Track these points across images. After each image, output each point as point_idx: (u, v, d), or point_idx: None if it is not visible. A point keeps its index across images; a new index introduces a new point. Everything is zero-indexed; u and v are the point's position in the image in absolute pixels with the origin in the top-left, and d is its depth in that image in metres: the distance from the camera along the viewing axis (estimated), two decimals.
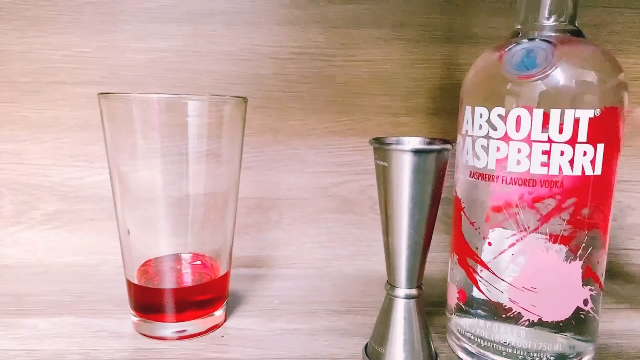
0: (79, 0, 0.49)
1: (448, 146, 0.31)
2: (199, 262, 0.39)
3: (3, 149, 0.50)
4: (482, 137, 0.32)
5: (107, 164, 0.37)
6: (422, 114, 0.51)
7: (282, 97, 0.51)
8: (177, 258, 0.38)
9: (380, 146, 0.31)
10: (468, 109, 0.33)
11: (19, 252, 0.51)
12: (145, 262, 0.38)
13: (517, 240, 0.31)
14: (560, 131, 0.29)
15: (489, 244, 0.32)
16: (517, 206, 0.31)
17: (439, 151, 0.30)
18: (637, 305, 0.45)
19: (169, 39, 0.49)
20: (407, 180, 0.30)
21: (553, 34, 0.31)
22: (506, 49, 0.31)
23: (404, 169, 0.30)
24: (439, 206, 0.32)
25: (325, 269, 0.52)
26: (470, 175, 0.33)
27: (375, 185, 0.53)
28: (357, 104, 0.51)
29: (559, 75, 0.29)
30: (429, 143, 0.33)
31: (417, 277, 0.33)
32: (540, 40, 0.30)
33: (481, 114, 0.31)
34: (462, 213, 0.34)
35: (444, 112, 0.51)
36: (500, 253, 0.32)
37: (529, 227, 0.31)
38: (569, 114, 0.29)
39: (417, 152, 0.30)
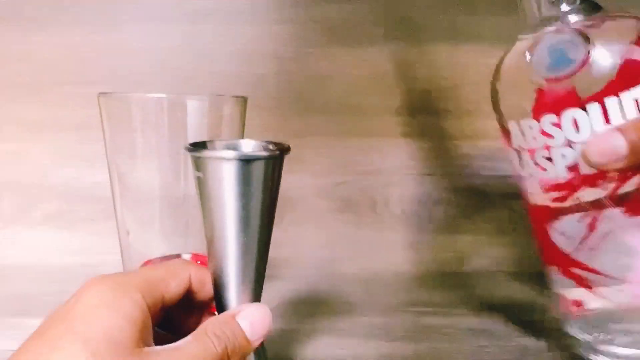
0: (78, 0, 0.49)
1: (276, 153, 0.26)
2: (198, 263, 0.39)
3: (3, 149, 0.50)
4: (541, 148, 0.29)
5: (106, 164, 0.37)
6: (423, 114, 0.51)
7: (282, 97, 0.51)
8: (177, 258, 0.38)
9: (193, 153, 0.25)
10: (513, 124, 0.30)
11: (18, 252, 0.51)
12: (145, 262, 0.38)
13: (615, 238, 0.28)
14: (624, 117, 0.26)
15: (591, 249, 0.29)
16: (604, 206, 0.28)
17: (266, 159, 0.25)
18: None
19: (168, 38, 0.49)
20: (227, 194, 0.25)
21: (573, 19, 0.28)
22: (532, 53, 0.29)
23: (222, 181, 0.24)
24: (273, 223, 0.27)
25: (325, 269, 0.52)
26: (541, 187, 0.30)
27: (375, 185, 0.53)
28: (357, 104, 0.51)
29: (600, 61, 0.26)
30: (265, 148, 0.27)
31: None
32: (564, 31, 0.28)
33: (530, 127, 0.29)
34: (550, 223, 0.31)
35: (444, 112, 0.51)
36: (606, 254, 0.29)
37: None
38: (627, 98, 0.26)
39: (238, 160, 0.24)
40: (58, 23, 0.49)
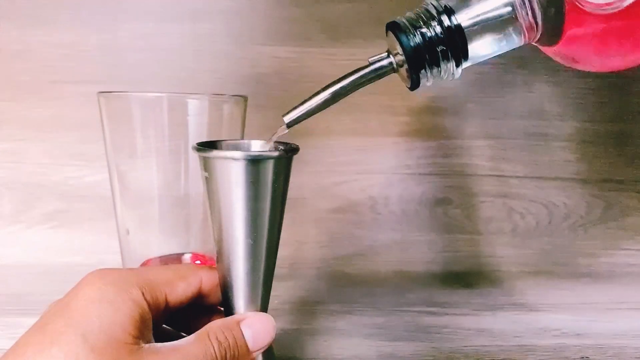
0: None
1: (285, 153, 0.25)
2: (198, 262, 0.39)
3: (2, 148, 0.50)
4: None
5: (106, 163, 0.37)
6: (424, 114, 0.51)
7: (282, 96, 0.50)
8: (177, 258, 0.38)
9: (200, 153, 0.25)
10: None
11: (18, 251, 0.51)
12: (145, 262, 0.38)
13: None
14: None
15: None
16: None
17: (275, 159, 0.25)
18: (637, 305, 0.45)
19: (168, 37, 0.49)
20: (235, 195, 0.24)
21: None
22: None
23: (229, 181, 0.24)
24: (282, 225, 0.27)
25: (325, 269, 0.52)
26: None
27: (375, 184, 0.53)
28: (357, 104, 0.51)
29: None
30: (274, 148, 0.27)
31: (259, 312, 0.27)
32: None
33: None
34: None
35: (445, 111, 0.51)
36: None
37: None
38: None
39: (246, 160, 0.24)
40: (57, 22, 0.49)
